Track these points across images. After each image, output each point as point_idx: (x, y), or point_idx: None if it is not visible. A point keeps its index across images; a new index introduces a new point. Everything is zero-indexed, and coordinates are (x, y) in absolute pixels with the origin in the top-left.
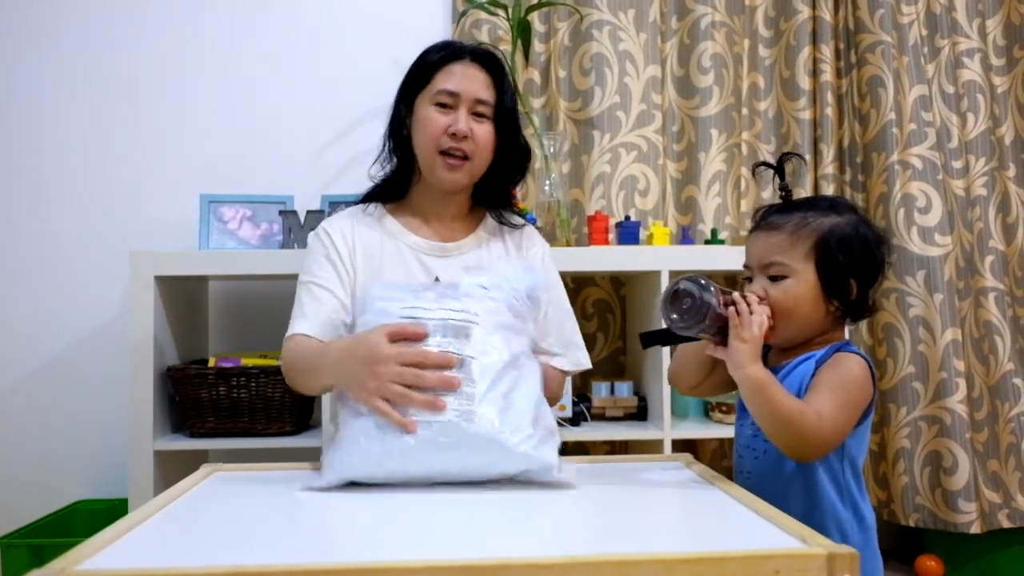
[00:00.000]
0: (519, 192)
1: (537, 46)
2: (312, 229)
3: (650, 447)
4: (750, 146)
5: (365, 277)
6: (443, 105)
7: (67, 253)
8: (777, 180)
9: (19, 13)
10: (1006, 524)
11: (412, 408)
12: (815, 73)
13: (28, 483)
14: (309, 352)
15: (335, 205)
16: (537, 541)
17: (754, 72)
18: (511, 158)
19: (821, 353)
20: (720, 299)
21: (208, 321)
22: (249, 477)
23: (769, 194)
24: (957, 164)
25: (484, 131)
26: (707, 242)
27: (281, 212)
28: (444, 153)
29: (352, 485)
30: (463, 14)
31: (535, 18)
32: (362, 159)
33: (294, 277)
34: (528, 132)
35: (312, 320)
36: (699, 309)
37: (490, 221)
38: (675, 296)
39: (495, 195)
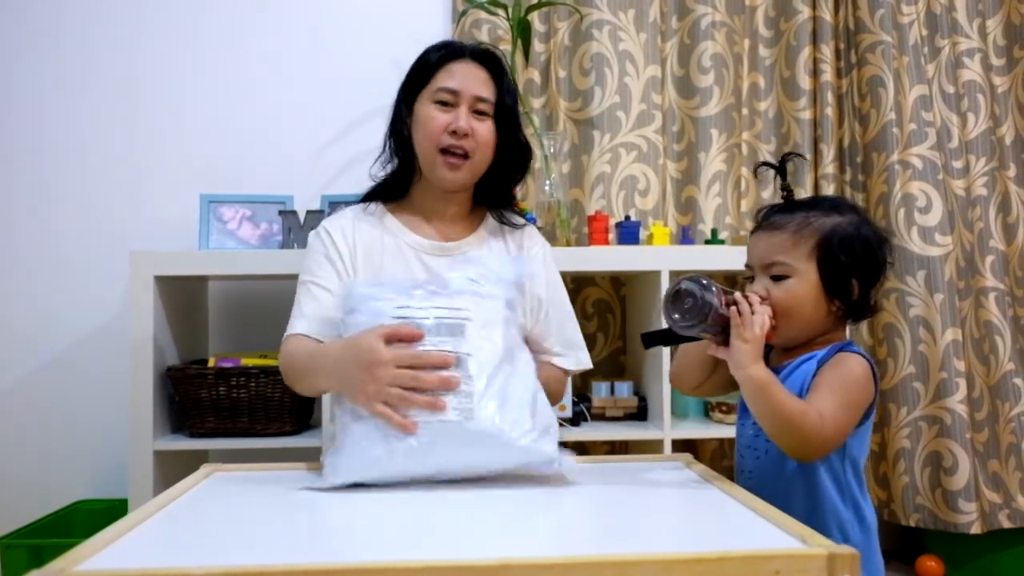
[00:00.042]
0: (519, 192)
1: (537, 46)
2: (312, 229)
3: (650, 447)
4: (750, 146)
5: (366, 276)
6: (444, 103)
7: (67, 253)
8: (779, 180)
9: (19, 13)
10: (1006, 524)
11: (412, 409)
12: (815, 73)
13: (28, 483)
14: (306, 353)
15: (335, 205)
16: (537, 541)
17: (754, 72)
18: (512, 156)
19: (823, 353)
20: (722, 299)
21: (208, 321)
22: (249, 477)
23: (769, 194)
24: (957, 164)
25: (485, 129)
26: (707, 242)
27: (281, 212)
28: (445, 151)
29: (352, 485)
30: (463, 14)
31: (535, 18)
32: (362, 159)
33: (294, 277)
34: (528, 132)
35: (311, 320)
36: (701, 309)
37: (491, 221)
38: (677, 296)
39: (496, 194)
